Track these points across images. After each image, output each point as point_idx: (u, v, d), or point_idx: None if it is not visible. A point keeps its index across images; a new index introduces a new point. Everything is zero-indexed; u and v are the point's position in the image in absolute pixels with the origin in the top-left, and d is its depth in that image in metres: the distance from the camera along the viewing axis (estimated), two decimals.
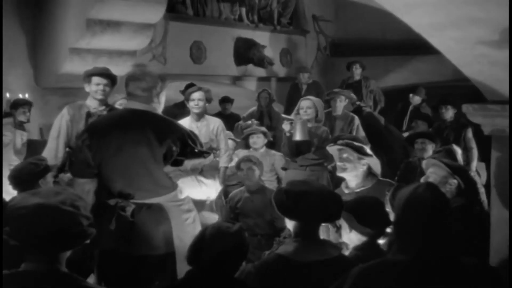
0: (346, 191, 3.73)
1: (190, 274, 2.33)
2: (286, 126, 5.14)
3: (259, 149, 5.81)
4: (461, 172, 3.55)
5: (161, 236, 3.08)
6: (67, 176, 4.45)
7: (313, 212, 2.49)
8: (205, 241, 2.28)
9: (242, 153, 5.68)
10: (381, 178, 3.80)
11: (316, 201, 2.49)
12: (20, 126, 5.67)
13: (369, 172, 3.76)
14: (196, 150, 3.10)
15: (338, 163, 3.80)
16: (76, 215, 1.93)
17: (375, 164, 3.79)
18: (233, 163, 5.34)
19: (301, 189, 2.54)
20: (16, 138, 5.58)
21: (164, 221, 3.08)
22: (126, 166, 3.02)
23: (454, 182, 3.45)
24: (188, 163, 3.20)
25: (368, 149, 3.82)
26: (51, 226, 1.88)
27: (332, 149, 3.92)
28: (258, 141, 5.84)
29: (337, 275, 2.14)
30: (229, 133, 6.01)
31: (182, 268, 2.98)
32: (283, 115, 5.44)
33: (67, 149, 4.44)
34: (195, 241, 2.34)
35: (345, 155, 3.74)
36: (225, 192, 5.42)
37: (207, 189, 3.49)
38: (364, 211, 2.75)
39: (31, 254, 1.93)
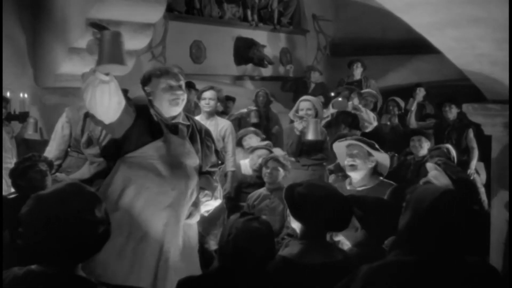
0: (349, 187, 3.64)
1: (217, 269, 2.28)
2: (298, 125, 5.07)
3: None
4: (465, 185, 3.52)
5: None
6: (62, 176, 4.45)
7: (323, 220, 2.41)
8: (235, 241, 2.20)
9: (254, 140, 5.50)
10: (384, 179, 3.68)
11: (328, 210, 2.40)
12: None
13: (374, 171, 3.66)
14: None
15: (348, 159, 3.62)
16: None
17: (385, 159, 3.67)
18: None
19: (317, 195, 2.42)
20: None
21: None
22: None
23: None
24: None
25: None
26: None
27: (340, 145, 3.78)
28: (251, 141, 5.74)
29: (342, 278, 2.09)
30: None
31: None
32: (296, 114, 5.36)
33: (69, 149, 4.44)
34: (225, 240, 2.25)
35: (355, 151, 3.60)
36: (238, 194, 5.38)
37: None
38: (386, 216, 2.57)
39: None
